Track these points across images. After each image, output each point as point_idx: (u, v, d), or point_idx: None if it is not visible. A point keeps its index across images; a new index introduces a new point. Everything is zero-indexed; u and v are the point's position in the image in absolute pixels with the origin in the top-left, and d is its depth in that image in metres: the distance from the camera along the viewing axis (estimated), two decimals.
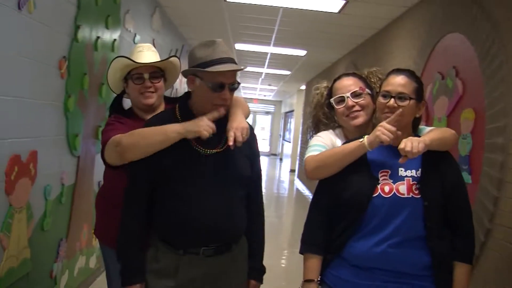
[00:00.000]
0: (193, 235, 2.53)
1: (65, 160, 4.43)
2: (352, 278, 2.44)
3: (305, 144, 17.22)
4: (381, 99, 2.49)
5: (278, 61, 12.64)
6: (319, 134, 2.82)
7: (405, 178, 2.43)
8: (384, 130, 2.37)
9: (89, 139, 4.95)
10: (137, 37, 6.36)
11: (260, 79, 17.96)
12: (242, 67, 2.58)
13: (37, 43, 3.72)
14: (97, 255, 5.49)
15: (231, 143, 2.49)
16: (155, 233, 2.60)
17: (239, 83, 2.61)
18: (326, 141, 2.73)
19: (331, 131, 2.83)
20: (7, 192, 3.42)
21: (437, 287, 2.42)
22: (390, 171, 2.45)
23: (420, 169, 2.45)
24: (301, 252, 2.60)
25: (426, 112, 5.35)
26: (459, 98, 4.60)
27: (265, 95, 27.28)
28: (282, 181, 18.92)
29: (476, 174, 4.15)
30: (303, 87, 17.93)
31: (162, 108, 3.01)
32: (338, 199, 2.50)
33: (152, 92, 2.96)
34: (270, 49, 10.90)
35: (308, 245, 2.58)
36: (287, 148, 23.41)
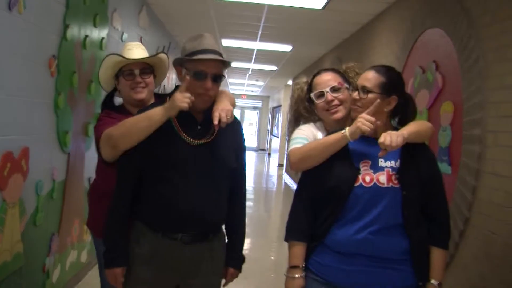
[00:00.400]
0: (173, 219, 2.63)
1: (55, 156, 4.52)
2: (335, 264, 2.55)
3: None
4: (352, 92, 2.64)
5: (264, 56, 12.73)
6: (301, 127, 2.94)
7: (385, 169, 2.54)
8: (364, 120, 2.49)
9: (78, 136, 5.04)
10: (125, 35, 6.44)
11: (247, 74, 18.04)
12: (223, 59, 2.66)
13: (27, 43, 3.80)
14: (88, 250, 5.59)
15: (216, 122, 2.59)
16: (138, 215, 2.71)
17: (223, 76, 2.70)
18: (308, 134, 2.85)
19: (312, 124, 2.95)
20: (0, 188, 3.51)
21: (415, 270, 2.54)
22: (370, 162, 2.56)
23: (399, 160, 2.56)
24: (286, 240, 2.71)
25: None
26: (439, 92, 4.72)
27: (252, 91, 27.33)
28: (270, 175, 19.02)
29: (456, 165, 4.27)
30: (290, 82, 18.02)
31: (152, 102, 3.10)
32: (321, 189, 2.60)
33: (143, 87, 3.08)
34: (257, 45, 10.98)
35: (292, 232, 2.68)
36: (275, 143, 23.51)
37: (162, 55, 3.22)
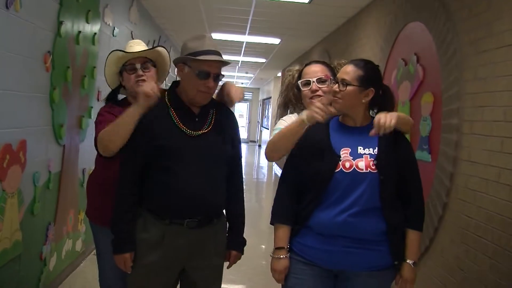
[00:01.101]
0: (179, 206, 2.81)
1: (51, 148, 4.67)
2: (317, 245, 2.72)
3: None
4: (332, 85, 2.82)
5: (253, 49, 12.87)
6: (284, 118, 3.14)
7: (364, 156, 2.71)
8: (316, 109, 2.68)
9: (73, 129, 5.19)
10: (116, 30, 6.60)
11: (237, 67, 18.17)
12: (226, 60, 2.86)
13: (24, 40, 3.95)
14: (83, 239, 5.74)
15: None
16: (144, 204, 2.87)
17: (223, 75, 2.91)
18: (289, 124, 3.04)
19: (295, 114, 3.14)
20: (0, 179, 3.66)
21: (391, 251, 2.72)
22: (350, 149, 2.73)
23: (377, 148, 2.73)
24: (271, 223, 2.87)
25: None
26: (420, 83, 4.91)
27: (242, 83, 27.41)
28: (261, 167, 19.18)
29: (435, 153, 4.47)
30: (279, 74, 18.16)
31: None
32: (305, 174, 2.78)
33: (144, 80, 3.21)
34: (246, 38, 11.13)
35: (277, 216, 2.86)
36: (265, 135, 23.59)
37: (161, 49, 3.37)
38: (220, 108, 3.04)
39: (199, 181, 2.82)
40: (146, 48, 3.32)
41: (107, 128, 2.88)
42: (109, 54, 3.25)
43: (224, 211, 3.06)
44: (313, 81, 3.02)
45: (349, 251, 2.68)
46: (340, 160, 2.70)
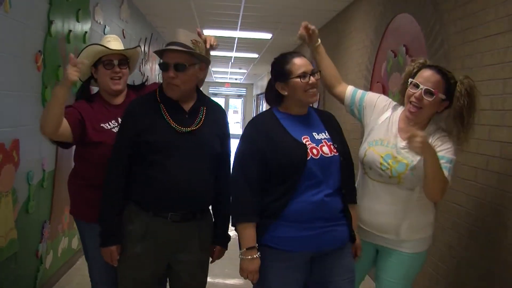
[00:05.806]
0: (162, 199, 2.85)
1: (45, 147, 4.67)
2: (294, 234, 2.73)
3: None
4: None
5: (246, 45, 12.90)
6: (384, 96, 3.30)
7: (323, 140, 2.82)
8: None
9: None
10: (107, 28, 6.62)
11: (230, 63, 18.21)
12: (181, 48, 2.80)
13: (14, 40, 3.98)
14: (78, 237, 5.73)
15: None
16: (130, 196, 2.92)
17: (185, 65, 2.81)
18: (376, 99, 3.22)
19: (396, 104, 3.16)
20: None
21: (348, 225, 2.87)
22: (309, 137, 2.82)
23: (326, 132, 2.88)
24: (234, 224, 2.83)
25: (382, 88, 5.71)
26: None
27: (236, 79, 27.46)
28: None
29: None
30: None
31: (125, 93, 3.33)
32: (273, 168, 2.75)
33: (120, 77, 3.26)
34: (237, 34, 11.15)
35: (243, 215, 2.78)
36: None
37: (138, 49, 3.47)
38: (211, 106, 3.07)
39: (186, 176, 2.85)
40: (121, 44, 3.36)
41: (42, 113, 2.99)
42: (86, 46, 3.28)
43: (210, 207, 3.09)
44: (421, 89, 2.88)
45: (324, 231, 2.76)
46: (307, 148, 2.76)
